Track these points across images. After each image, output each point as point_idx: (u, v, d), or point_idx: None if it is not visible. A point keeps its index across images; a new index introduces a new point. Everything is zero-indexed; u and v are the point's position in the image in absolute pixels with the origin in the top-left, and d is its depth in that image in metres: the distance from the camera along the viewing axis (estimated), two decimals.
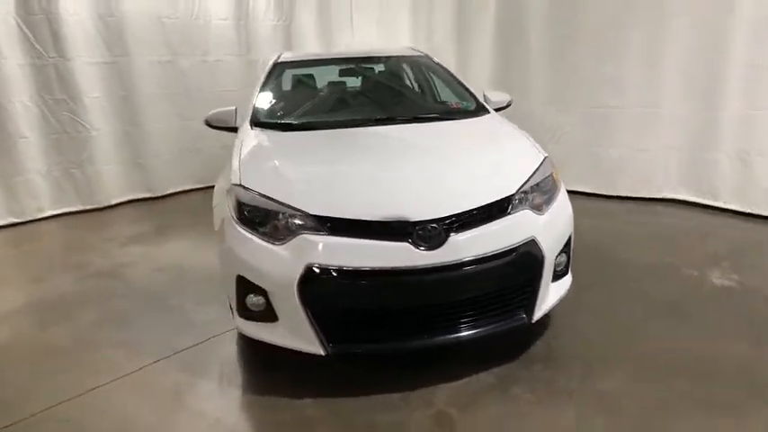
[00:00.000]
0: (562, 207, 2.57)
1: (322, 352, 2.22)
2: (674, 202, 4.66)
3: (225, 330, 2.94)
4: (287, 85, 3.72)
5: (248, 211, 2.36)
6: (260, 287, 2.29)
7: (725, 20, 4.03)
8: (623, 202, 4.79)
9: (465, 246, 2.19)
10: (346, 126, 3.00)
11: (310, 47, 6.89)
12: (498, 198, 2.33)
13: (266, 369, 2.58)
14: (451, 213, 2.21)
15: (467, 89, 3.51)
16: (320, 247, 2.17)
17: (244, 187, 2.42)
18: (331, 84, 3.74)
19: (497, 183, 2.43)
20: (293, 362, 2.52)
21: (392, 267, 2.13)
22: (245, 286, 2.33)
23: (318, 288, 2.16)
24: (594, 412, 2.17)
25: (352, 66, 3.82)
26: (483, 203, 2.28)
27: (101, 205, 5.48)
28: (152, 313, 3.24)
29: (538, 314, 2.40)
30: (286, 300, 2.22)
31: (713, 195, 4.38)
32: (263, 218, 2.33)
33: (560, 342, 2.67)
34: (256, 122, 3.11)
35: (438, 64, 3.80)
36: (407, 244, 2.15)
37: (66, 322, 3.17)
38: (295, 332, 2.26)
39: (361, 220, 2.19)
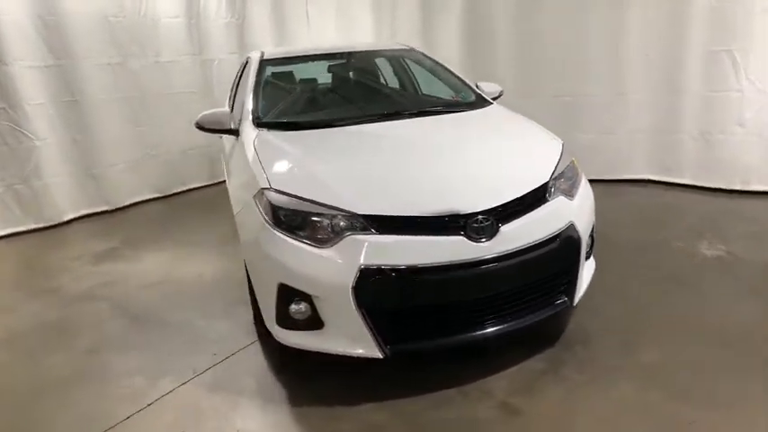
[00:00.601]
0: (586, 191, 2.65)
1: (380, 355, 2.15)
2: (643, 182, 4.94)
3: (246, 344, 2.79)
4: (279, 82, 3.57)
5: (285, 215, 2.24)
6: (305, 293, 2.18)
7: (682, 9, 4.32)
8: (594, 186, 4.96)
9: (515, 235, 2.20)
10: (356, 122, 2.92)
11: (265, 45, 6.68)
12: (537, 186, 2.36)
13: (307, 379, 2.47)
14: (499, 204, 2.21)
15: (462, 81, 3.53)
16: (373, 247, 2.10)
17: (276, 190, 2.30)
18: (325, 80, 3.64)
19: (530, 171, 2.46)
20: (333, 369, 2.44)
21: (452, 262, 2.10)
22: (287, 294, 2.22)
23: (375, 289, 2.08)
24: (646, 384, 2.26)
25: (343, 61, 3.73)
26: (525, 192, 2.30)
27: (53, 222, 5.02)
28: (156, 333, 3.01)
29: (577, 297, 2.47)
30: (337, 304, 2.13)
31: (679, 173, 4.69)
32: (301, 221, 2.22)
33: (588, 323, 2.75)
34: (260, 123, 2.96)
35: (428, 57, 3.79)
36: (462, 237, 2.14)
37: (59, 353, 2.88)
38: (348, 337, 2.18)
39: (414, 216, 2.14)
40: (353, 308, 2.10)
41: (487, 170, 2.44)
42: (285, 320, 2.28)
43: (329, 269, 2.12)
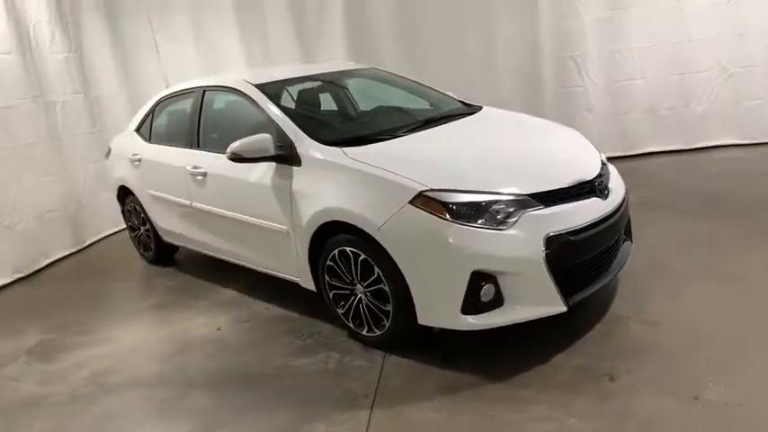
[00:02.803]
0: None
1: (565, 308, 2.43)
2: None
3: (381, 357, 2.70)
4: (296, 103, 3.44)
5: (460, 209, 2.37)
6: (491, 275, 2.36)
7: (535, 25, 5.56)
8: None
9: (617, 191, 2.77)
10: (413, 130, 3.05)
11: (109, 81, 5.84)
12: (600, 155, 3.00)
13: (483, 360, 2.56)
14: (600, 168, 2.77)
15: (438, 91, 3.95)
16: (549, 218, 2.40)
17: (439, 189, 2.41)
18: (340, 100, 3.65)
19: (584, 146, 3.09)
20: (493, 344, 2.65)
21: (602, 216, 2.55)
22: (477, 280, 2.36)
23: (562, 252, 2.37)
24: (708, 280, 2.99)
25: (327, 82, 3.79)
26: (601, 159, 2.92)
27: None
28: (263, 388, 2.63)
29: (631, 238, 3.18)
30: (526, 275, 2.36)
31: None
32: (474, 211, 2.38)
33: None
34: (325, 142, 2.89)
35: (392, 73, 4.10)
36: (595, 198, 2.62)
37: None
38: (533, 302, 2.41)
39: (564, 188, 2.52)
40: (545, 273, 2.35)
41: (564, 149, 2.98)
42: (472, 307, 2.38)
43: (520, 245, 2.34)
